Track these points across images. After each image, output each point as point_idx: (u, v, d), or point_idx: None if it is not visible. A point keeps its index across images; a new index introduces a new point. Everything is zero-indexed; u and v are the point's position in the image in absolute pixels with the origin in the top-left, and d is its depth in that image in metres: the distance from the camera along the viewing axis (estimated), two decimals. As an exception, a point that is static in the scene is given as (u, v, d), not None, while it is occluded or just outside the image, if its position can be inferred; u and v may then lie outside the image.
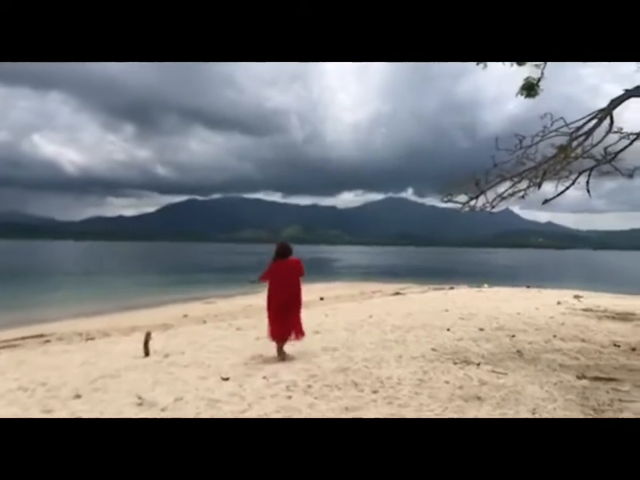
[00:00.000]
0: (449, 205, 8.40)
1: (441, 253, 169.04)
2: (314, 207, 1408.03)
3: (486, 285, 26.17)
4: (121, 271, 46.76)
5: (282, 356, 6.83)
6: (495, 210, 8.71)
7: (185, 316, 15.44)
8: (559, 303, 14.04)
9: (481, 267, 68.42)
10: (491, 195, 8.62)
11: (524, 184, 8.22)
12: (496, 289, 23.19)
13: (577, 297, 16.36)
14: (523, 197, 8.36)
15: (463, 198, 8.26)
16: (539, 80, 8.03)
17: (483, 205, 8.52)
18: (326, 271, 48.14)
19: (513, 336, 8.38)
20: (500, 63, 7.60)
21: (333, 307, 14.89)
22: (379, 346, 7.55)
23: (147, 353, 7.56)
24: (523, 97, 8.24)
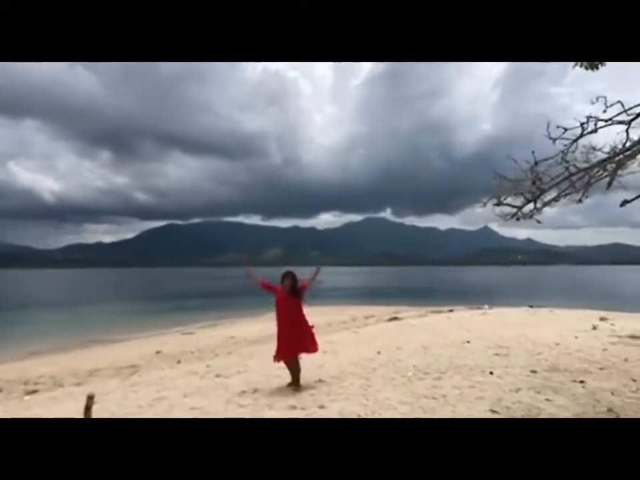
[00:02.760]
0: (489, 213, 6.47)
1: (423, 272, 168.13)
2: (294, 228, 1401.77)
3: (486, 306, 24.43)
4: (97, 299, 44.33)
5: (295, 385, 6.83)
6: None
7: (158, 352, 13.27)
8: (594, 327, 12.11)
9: (467, 285, 67.03)
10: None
11: (581, 183, 6.36)
12: (499, 310, 21.48)
13: (603, 319, 14.51)
14: (580, 200, 6.50)
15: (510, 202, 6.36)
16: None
17: (530, 211, 6.63)
18: (310, 294, 46.39)
19: (582, 381, 6.38)
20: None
21: (328, 340, 12.77)
22: (414, 407, 5.40)
23: (87, 426, 5.40)
24: (584, 68, 6.36)
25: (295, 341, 6.79)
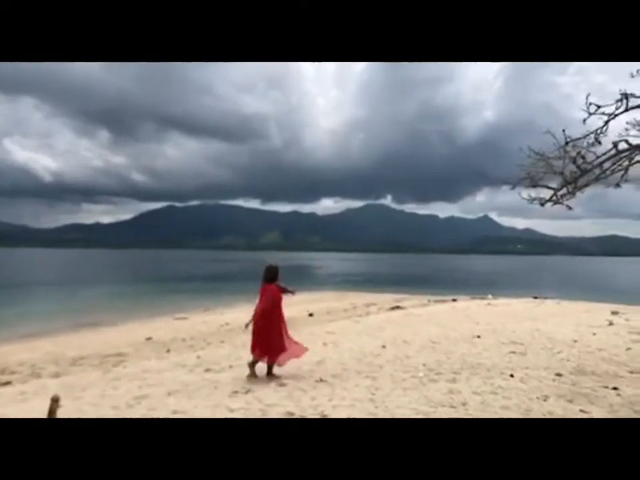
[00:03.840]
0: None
1: (423, 259, 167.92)
2: (293, 213, 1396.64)
3: (490, 296, 23.77)
4: (92, 281, 43.54)
5: (271, 376, 6.75)
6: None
7: (148, 339, 12.56)
8: (610, 323, 11.43)
9: (468, 274, 66.51)
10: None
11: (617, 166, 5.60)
12: (504, 301, 20.82)
13: (615, 312, 13.83)
14: (618, 184, 5.74)
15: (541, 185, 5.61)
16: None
17: (562, 196, 5.87)
18: (309, 279, 46.37)
19: (615, 388, 5.68)
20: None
21: (328, 330, 12.08)
22: (431, 418, 4.73)
23: (52, 432, 4.67)
24: None
25: (264, 342, 6.75)
